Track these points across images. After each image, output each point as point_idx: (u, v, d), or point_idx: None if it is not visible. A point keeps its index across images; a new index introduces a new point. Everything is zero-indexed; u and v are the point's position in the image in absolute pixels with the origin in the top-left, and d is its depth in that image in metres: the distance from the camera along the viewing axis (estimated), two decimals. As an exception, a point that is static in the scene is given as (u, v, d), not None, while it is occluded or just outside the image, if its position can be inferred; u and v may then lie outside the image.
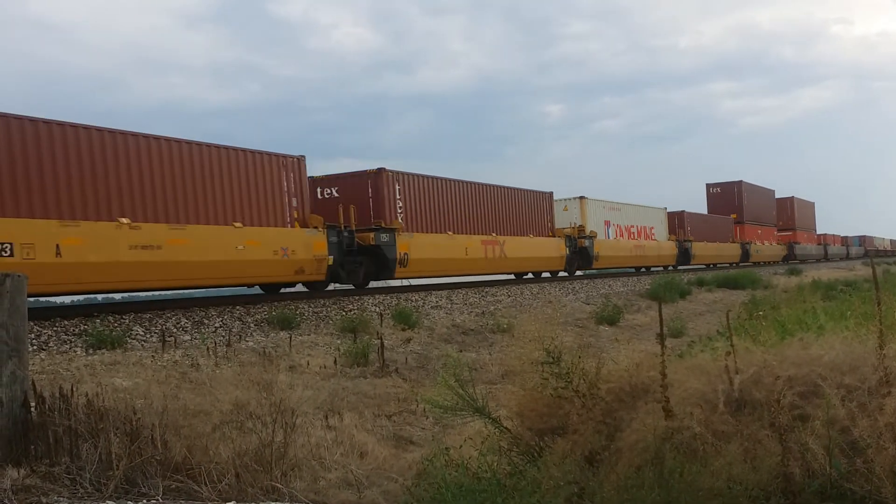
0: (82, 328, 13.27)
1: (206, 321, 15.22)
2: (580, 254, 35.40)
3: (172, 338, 13.25)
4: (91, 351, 11.89)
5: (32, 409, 5.42)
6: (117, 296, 20.42)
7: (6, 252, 13.79)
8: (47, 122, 14.80)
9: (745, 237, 55.55)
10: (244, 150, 18.92)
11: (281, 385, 9.13)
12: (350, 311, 18.11)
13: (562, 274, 34.60)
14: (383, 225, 23.23)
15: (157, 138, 16.83)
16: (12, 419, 5.34)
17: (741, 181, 57.43)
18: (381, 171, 23.68)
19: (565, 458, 4.15)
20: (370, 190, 23.55)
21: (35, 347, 11.61)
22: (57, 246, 14.49)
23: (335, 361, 12.11)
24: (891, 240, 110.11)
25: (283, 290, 21.72)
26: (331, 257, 20.74)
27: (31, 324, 12.00)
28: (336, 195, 23.43)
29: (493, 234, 28.85)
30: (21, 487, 4.72)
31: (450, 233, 26.41)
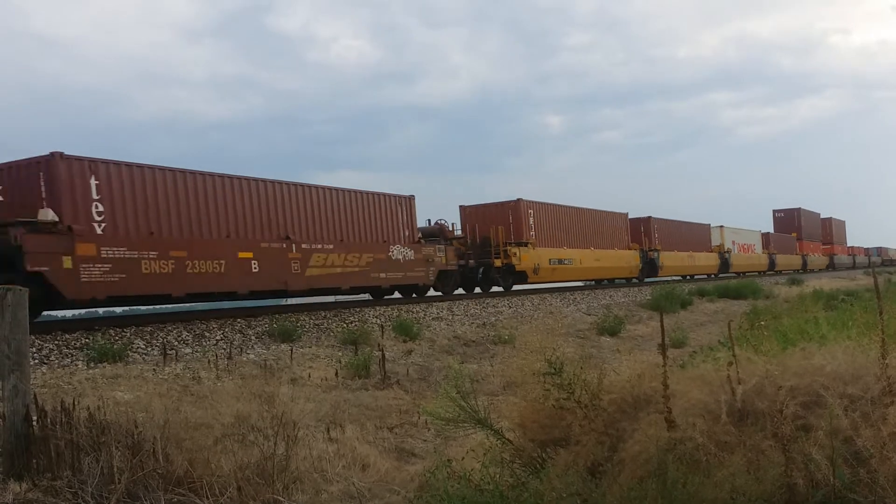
0: (84, 342, 13.27)
1: (207, 334, 15.22)
2: (723, 263, 54.35)
3: (174, 351, 13.25)
4: (92, 364, 11.88)
5: (34, 422, 5.42)
6: (118, 309, 20.65)
7: (572, 262, 35.06)
8: (573, 208, 36.66)
9: (804, 250, 72.41)
10: (613, 213, 41.23)
11: (282, 398, 9.11)
12: (351, 323, 18.10)
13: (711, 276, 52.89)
14: (651, 247, 44.69)
15: (591, 211, 38.38)
16: (14, 433, 5.33)
17: (800, 208, 75.29)
18: (649, 218, 45.40)
19: (568, 469, 4.14)
20: (642, 227, 44.56)
21: (36, 361, 11.61)
22: (580, 259, 35.66)
23: (336, 374, 12.10)
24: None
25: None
26: (640, 265, 43.08)
27: (33, 337, 12.00)
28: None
29: (690, 252, 49.85)
30: (23, 501, 4.72)
31: (676, 251, 47.61)
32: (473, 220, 31.16)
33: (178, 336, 14.71)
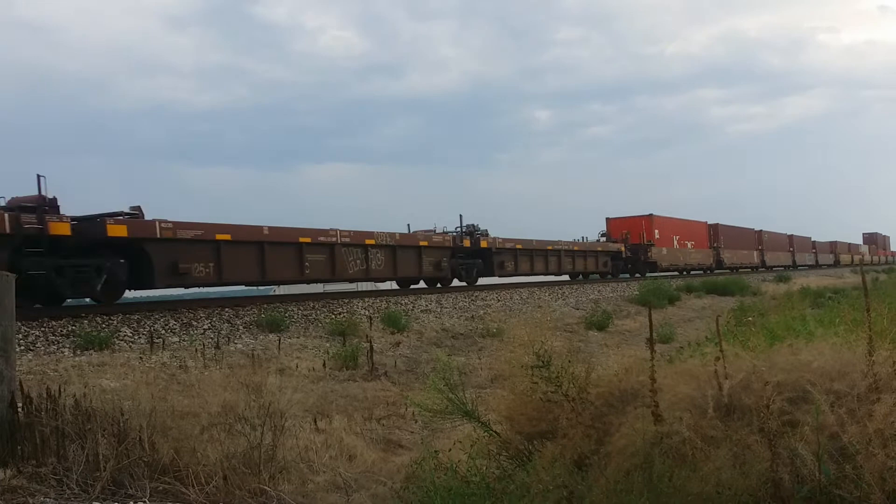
0: (70, 329, 13.20)
1: (194, 323, 15.17)
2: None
3: (161, 339, 13.20)
4: (79, 352, 11.83)
5: (19, 409, 5.39)
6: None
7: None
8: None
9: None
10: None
11: (270, 387, 9.09)
12: (339, 314, 18.07)
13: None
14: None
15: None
16: (-1, 419, 5.30)
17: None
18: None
19: (554, 462, 4.15)
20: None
21: (22, 348, 11.55)
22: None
23: (324, 364, 12.08)
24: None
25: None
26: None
27: (19, 324, 11.93)
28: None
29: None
30: (7, 488, 4.69)
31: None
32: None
33: (166, 324, 14.65)
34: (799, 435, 3.73)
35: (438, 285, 26.87)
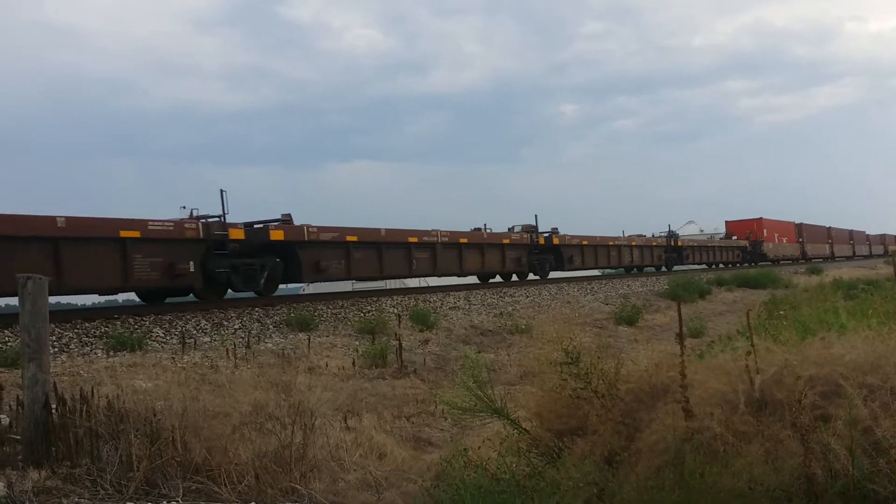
0: (103, 330, 13.36)
1: (225, 323, 15.29)
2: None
3: (192, 339, 13.32)
4: (111, 353, 11.97)
5: (53, 410, 5.47)
6: (137, 298, 20.85)
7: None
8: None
9: None
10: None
11: (300, 386, 9.14)
12: (368, 312, 18.13)
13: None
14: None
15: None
16: (33, 421, 5.38)
17: None
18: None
19: (584, 458, 4.14)
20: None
21: (56, 349, 11.71)
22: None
23: (353, 363, 12.12)
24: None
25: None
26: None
27: (53, 326, 12.09)
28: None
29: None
30: (42, 489, 4.76)
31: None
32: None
33: (197, 325, 14.79)
34: (832, 429, 3.69)
35: (649, 269, 42.60)
